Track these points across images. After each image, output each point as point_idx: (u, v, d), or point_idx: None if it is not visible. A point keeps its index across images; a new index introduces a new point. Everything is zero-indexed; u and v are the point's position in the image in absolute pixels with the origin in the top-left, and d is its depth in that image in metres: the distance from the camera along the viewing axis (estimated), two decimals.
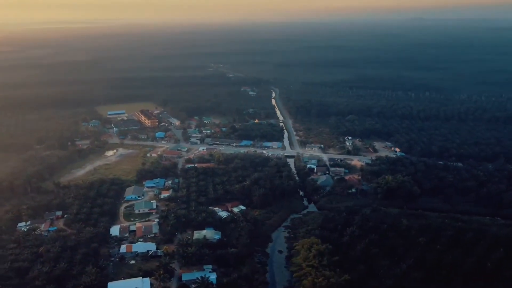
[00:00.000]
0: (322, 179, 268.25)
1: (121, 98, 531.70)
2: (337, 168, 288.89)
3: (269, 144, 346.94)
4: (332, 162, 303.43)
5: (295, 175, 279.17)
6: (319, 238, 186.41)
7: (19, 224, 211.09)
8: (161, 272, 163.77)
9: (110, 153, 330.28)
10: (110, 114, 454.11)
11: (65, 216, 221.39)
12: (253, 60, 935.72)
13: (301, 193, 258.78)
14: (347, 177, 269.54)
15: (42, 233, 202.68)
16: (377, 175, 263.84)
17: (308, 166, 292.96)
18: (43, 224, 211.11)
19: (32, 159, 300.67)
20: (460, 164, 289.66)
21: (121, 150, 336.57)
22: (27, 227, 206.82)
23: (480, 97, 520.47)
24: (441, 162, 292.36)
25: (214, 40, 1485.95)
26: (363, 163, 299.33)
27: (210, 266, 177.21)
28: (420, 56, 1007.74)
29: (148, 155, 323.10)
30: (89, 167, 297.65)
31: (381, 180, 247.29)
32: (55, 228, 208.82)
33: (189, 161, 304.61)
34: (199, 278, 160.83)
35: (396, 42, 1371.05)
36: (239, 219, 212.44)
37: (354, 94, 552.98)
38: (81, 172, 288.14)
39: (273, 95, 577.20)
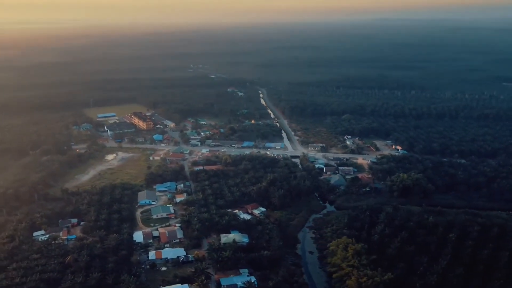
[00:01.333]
0: (334, 178, 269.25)
1: (107, 101, 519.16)
2: (346, 167, 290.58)
3: (272, 144, 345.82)
4: (338, 162, 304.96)
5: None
6: (351, 238, 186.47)
7: (35, 233, 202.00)
8: (203, 278, 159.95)
9: (110, 157, 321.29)
10: (100, 117, 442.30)
11: (81, 223, 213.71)
12: (233, 61, 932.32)
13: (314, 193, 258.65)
14: (359, 176, 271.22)
15: (62, 242, 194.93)
16: (388, 173, 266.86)
17: (316, 166, 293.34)
18: (61, 233, 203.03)
19: (32, 165, 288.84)
20: (463, 161, 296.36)
21: (121, 154, 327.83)
22: (45, 236, 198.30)
23: (464, 95, 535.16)
24: (445, 159, 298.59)
25: (192, 41, 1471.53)
26: (369, 162, 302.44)
27: (246, 270, 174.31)
28: (394, 55, 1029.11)
29: (151, 158, 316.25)
30: (92, 172, 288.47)
31: (395, 178, 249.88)
32: (74, 236, 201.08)
33: (195, 163, 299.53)
34: (245, 283, 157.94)
35: (368, 43, 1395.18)
36: (265, 221, 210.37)
37: (342, 93, 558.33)
38: (86, 178, 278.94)
39: (261, 95, 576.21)
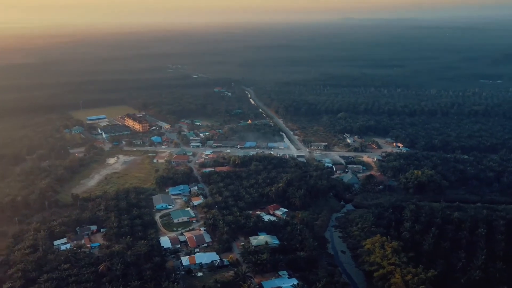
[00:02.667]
0: (347, 177, 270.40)
1: (94, 103, 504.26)
2: (355, 166, 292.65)
3: (275, 144, 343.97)
4: (345, 160, 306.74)
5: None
6: (385, 236, 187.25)
7: (56, 242, 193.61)
8: (250, 282, 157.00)
9: (112, 160, 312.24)
10: (90, 120, 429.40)
11: (101, 230, 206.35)
12: (213, 61, 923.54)
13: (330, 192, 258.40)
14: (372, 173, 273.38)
15: (88, 250, 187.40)
16: (398, 170, 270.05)
17: (325, 165, 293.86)
18: (83, 240, 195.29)
19: (35, 171, 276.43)
20: (466, 157, 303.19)
21: (122, 157, 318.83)
22: (68, 245, 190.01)
23: (448, 92, 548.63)
24: (449, 155, 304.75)
25: (168, 41, 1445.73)
26: (375, 159, 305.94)
27: (285, 272, 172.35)
28: (370, 54, 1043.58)
29: (155, 161, 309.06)
30: (97, 177, 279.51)
31: (409, 175, 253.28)
32: (97, 244, 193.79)
33: (202, 165, 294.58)
34: (294, 285, 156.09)
35: (342, 42, 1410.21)
36: (293, 222, 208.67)
37: (331, 92, 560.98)
38: (92, 182, 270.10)
39: (249, 95, 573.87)
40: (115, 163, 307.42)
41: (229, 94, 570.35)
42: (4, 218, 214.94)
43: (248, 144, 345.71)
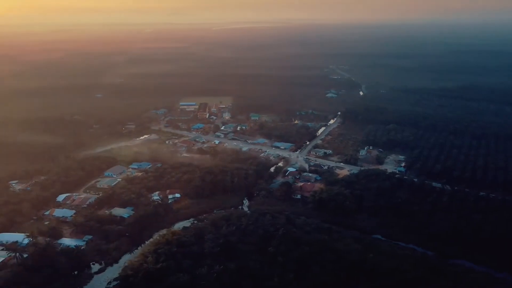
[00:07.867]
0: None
1: (210, 92, 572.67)
2: (309, 174, 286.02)
3: (279, 144, 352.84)
4: (313, 168, 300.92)
5: None
6: None
7: None
8: None
9: (143, 136, 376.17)
10: (182, 105, 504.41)
11: None
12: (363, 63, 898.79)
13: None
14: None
15: None
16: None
17: (288, 169, 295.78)
18: None
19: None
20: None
21: (152, 136, 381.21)
22: None
23: None
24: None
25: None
26: (349, 172, 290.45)
27: None
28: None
29: (167, 142, 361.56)
30: (113, 145, 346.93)
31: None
32: None
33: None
34: None
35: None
36: None
37: (436, 104, 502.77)
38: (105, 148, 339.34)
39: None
40: (142, 138, 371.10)
41: (334, 96, 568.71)
42: None
43: (259, 140, 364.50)
